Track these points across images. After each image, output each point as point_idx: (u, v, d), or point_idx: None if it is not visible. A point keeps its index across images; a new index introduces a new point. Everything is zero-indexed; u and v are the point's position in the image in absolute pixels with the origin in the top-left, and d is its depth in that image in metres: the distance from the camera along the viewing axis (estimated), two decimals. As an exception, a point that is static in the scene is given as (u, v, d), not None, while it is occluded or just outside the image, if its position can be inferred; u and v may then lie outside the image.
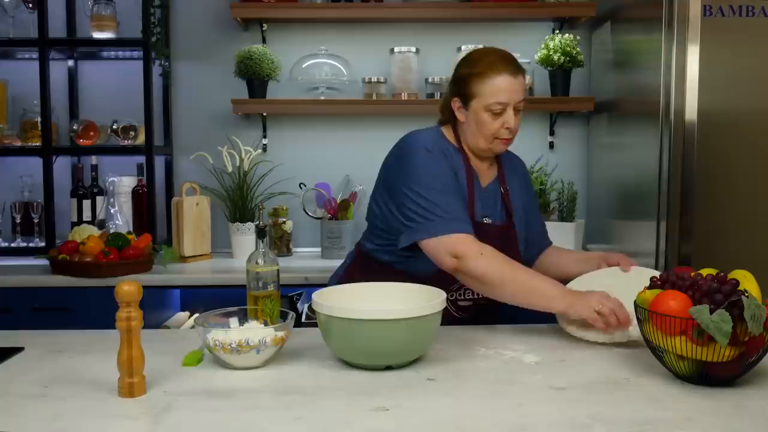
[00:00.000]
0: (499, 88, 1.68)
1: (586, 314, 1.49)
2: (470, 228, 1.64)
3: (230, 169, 2.82)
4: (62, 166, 2.92)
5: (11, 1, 2.80)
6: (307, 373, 1.34)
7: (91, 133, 2.85)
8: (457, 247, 1.60)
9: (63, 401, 1.19)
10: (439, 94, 2.86)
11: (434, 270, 1.67)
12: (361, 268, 1.82)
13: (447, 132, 1.81)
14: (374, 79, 2.91)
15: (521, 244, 1.84)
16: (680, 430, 1.06)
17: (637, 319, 1.32)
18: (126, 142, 2.85)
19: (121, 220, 2.78)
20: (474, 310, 1.79)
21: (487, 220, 1.78)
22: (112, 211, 2.77)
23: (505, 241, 1.77)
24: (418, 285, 1.51)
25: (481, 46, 2.77)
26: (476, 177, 1.79)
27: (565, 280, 1.72)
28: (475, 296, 1.76)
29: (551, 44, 2.83)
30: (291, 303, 2.15)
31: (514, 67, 1.71)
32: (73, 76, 3.00)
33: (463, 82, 1.74)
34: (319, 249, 2.88)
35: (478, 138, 1.74)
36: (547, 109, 3.00)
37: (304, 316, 1.93)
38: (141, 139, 2.84)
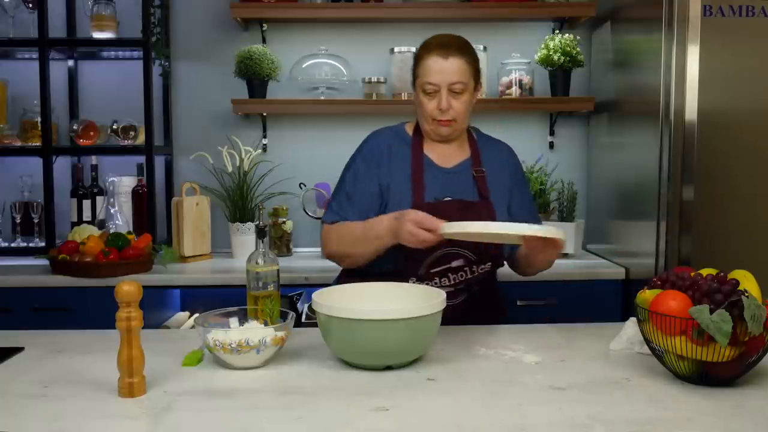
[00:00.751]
0: (429, 68, 1.72)
1: (405, 243, 1.58)
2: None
3: (230, 169, 2.82)
4: (62, 166, 2.92)
5: (11, 1, 2.80)
6: (307, 373, 1.34)
7: (91, 133, 2.85)
8: (322, 238, 1.80)
9: (63, 401, 1.19)
10: (438, 94, 2.86)
11: (390, 267, 1.70)
12: (357, 271, 1.82)
13: (410, 124, 1.87)
14: (374, 79, 2.91)
15: None
16: (680, 430, 1.06)
17: (637, 319, 1.32)
18: (126, 142, 2.85)
19: (121, 220, 2.77)
20: (463, 293, 1.77)
21: (448, 199, 1.77)
22: (112, 211, 2.77)
23: (473, 217, 1.70)
24: (417, 285, 1.51)
25: (480, 46, 2.80)
26: (429, 160, 1.80)
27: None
28: (452, 281, 1.75)
29: (551, 44, 2.83)
30: (291, 303, 2.16)
31: (447, 49, 1.72)
32: (73, 76, 2.99)
33: (413, 64, 1.80)
34: (319, 249, 2.86)
35: (421, 120, 1.80)
36: (547, 109, 3.00)
37: (304, 316, 1.94)
38: (141, 139, 2.84)
